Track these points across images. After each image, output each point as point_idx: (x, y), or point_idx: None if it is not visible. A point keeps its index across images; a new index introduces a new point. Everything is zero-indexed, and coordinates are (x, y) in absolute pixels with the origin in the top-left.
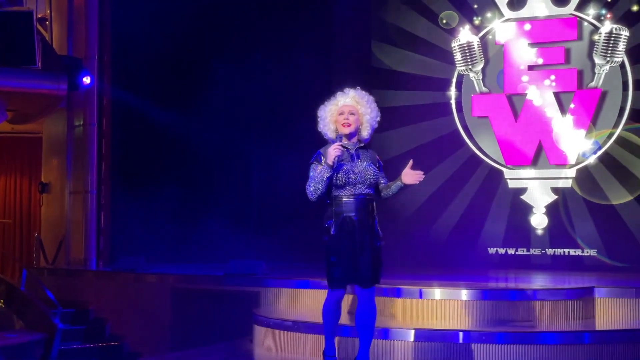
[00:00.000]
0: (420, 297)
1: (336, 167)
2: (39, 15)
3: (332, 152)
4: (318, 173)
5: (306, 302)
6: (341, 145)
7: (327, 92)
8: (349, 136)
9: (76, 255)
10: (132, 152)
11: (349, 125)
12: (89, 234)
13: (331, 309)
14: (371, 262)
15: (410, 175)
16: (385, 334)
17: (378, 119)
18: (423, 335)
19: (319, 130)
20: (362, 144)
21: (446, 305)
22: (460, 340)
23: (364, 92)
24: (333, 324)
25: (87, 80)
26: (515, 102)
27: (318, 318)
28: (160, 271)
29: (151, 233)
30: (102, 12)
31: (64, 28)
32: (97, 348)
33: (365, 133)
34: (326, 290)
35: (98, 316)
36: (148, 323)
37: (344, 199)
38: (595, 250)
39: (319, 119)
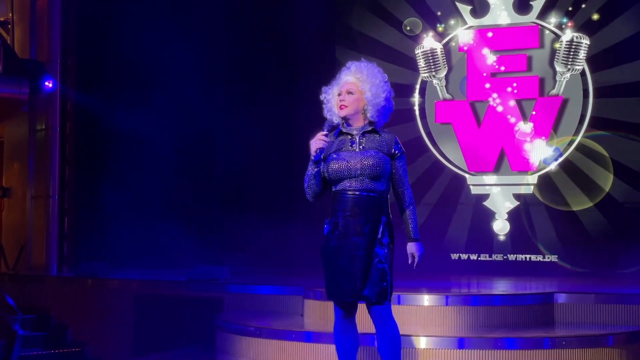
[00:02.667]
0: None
1: (329, 158)
2: (1, 19)
3: (312, 144)
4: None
5: (269, 308)
6: (326, 135)
7: (290, 97)
8: (349, 119)
9: (37, 260)
10: (96, 156)
11: (345, 107)
12: (50, 240)
13: (336, 329)
14: (367, 273)
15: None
16: None
17: (384, 95)
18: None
19: (325, 116)
20: (370, 128)
21: (408, 311)
22: (422, 346)
23: (366, 63)
24: (343, 349)
25: (49, 84)
26: (478, 109)
27: (281, 324)
28: (122, 277)
29: (115, 238)
30: (66, 15)
31: (26, 31)
32: (58, 354)
33: (370, 114)
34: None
35: (59, 322)
36: (110, 329)
37: (340, 195)
38: (556, 256)
39: (323, 104)
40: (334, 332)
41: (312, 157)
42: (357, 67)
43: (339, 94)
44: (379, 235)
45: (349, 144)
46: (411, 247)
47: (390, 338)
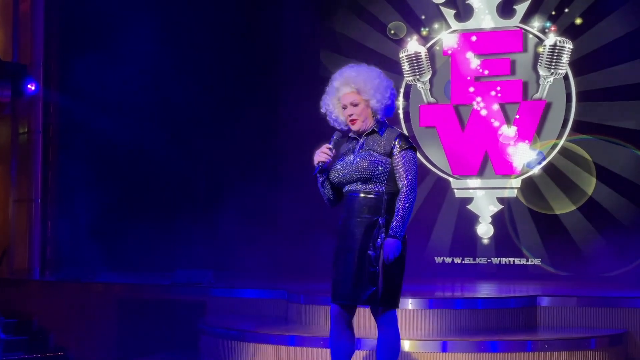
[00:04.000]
0: (366, 306)
1: (335, 163)
2: None
3: (316, 157)
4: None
5: (253, 312)
6: (329, 149)
7: (274, 100)
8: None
9: (20, 264)
10: (80, 159)
11: (355, 121)
12: (33, 243)
13: (331, 333)
14: (358, 276)
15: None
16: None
17: (388, 94)
18: (369, 344)
19: (332, 126)
20: (371, 129)
21: None
22: (406, 349)
23: (358, 68)
24: (335, 353)
25: (31, 87)
26: (462, 113)
27: (264, 328)
28: (105, 280)
29: (98, 242)
30: (49, 18)
31: (8, 34)
32: (40, 358)
33: (379, 117)
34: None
35: (42, 326)
36: (93, 333)
37: (344, 198)
38: (540, 259)
39: (326, 115)
40: (330, 335)
41: (318, 168)
42: (351, 74)
43: (344, 107)
44: (373, 238)
45: (353, 148)
46: (384, 244)
47: (386, 345)
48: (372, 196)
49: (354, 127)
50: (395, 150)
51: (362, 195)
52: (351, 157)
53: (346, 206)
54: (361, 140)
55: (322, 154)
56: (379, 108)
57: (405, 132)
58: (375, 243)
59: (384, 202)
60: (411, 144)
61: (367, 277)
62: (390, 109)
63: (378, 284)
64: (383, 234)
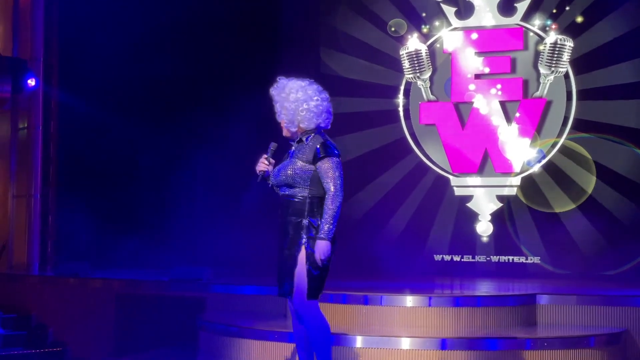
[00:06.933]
0: (366, 303)
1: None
2: None
3: (257, 167)
4: None
5: (252, 308)
6: (267, 159)
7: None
8: (293, 134)
9: (19, 259)
10: (80, 155)
11: (282, 129)
12: (32, 239)
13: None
14: (286, 272)
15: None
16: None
17: (293, 106)
18: (368, 341)
19: None
20: (299, 138)
21: (391, 312)
22: (405, 347)
23: (280, 82)
24: (295, 341)
25: (31, 82)
26: (462, 111)
27: (263, 324)
28: (104, 276)
29: (97, 238)
30: (49, 13)
31: (8, 29)
32: (38, 354)
33: (291, 129)
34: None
35: (40, 322)
36: (91, 329)
37: (280, 199)
38: (539, 257)
39: None
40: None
41: (259, 176)
42: (272, 87)
43: None
44: (298, 237)
45: (288, 155)
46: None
47: (306, 336)
48: (297, 199)
49: (283, 134)
50: (317, 157)
51: (289, 198)
52: (284, 162)
53: (279, 208)
54: (293, 148)
55: (261, 164)
56: (288, 121)
57: (406, 130)
58: (298, 242)
59: (307, 205)
60: (332, 152)
61: (291, 273)
62: (307, 121)
63: (295, 279)
64: (305, 233)
